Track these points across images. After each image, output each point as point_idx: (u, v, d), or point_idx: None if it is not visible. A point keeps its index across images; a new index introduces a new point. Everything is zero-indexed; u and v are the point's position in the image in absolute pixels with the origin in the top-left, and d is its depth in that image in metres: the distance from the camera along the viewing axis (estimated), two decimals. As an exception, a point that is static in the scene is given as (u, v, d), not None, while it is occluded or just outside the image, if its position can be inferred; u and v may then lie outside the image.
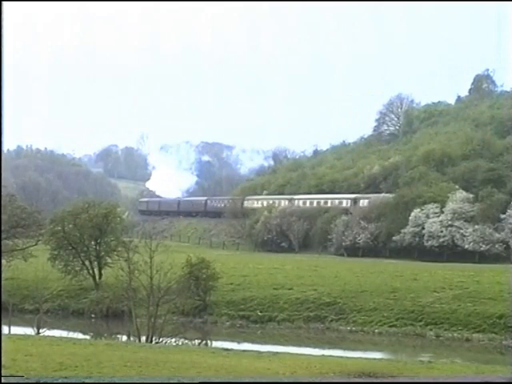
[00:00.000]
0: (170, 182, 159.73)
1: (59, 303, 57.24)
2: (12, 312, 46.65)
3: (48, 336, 38.25)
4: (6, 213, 61.36)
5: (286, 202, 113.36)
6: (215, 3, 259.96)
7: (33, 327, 43.10)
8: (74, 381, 16.80)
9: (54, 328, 45.96)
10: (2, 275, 59.01)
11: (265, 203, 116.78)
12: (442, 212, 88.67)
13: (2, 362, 17.59)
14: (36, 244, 62.83)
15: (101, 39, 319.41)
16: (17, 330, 41.66)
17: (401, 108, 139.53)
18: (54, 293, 54.29)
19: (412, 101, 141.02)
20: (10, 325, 42.97)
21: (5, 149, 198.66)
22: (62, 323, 52.40)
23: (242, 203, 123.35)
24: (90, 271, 60.83)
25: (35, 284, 49.35)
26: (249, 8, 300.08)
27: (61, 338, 34.52)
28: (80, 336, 45.12)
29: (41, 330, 42.56)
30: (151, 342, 36.87)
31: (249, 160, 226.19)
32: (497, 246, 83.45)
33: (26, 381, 16.21)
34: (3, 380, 15.66)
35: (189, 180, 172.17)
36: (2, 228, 60.18)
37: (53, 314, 55.10)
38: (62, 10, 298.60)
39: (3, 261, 59.04)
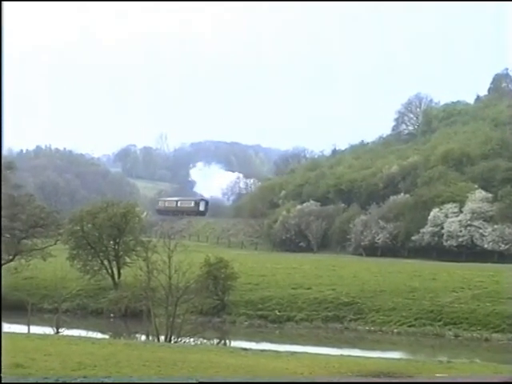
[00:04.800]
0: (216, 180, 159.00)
1: (78, 303, 57.46)
2: (31, 311, 46.86)
3: (67, 335, 38.36)
4: (25, 212, 61.79)
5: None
6: (220, 3, 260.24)
7: (52, 327, 43.25)
8: (92, 380, 16.78)
9: (72, 327, 46.15)
10: (21, 275, 59.53)
11: None
12: (461, 212, 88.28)
13: (20, 362, 17.65)
14: (55, 243, 63.08)
15: (110, 40, 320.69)
16: (36, 329, 41.87)
17: (419, 107, 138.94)
18: (72, 292, 54.51)
19: (431, 100, 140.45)
20: (29, 324, 43.20)
21: (24, 148, 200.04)
22: (81, 323, 52.60)
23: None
24: (109, 271, 60.99)
25: (54, 283, 49.45)
26: (260, 7, 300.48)
27: (79, 338, 34.58)
28: (99, 335, 45.19)
29: (60, 330, 42.72)
30: (170, 341, 36.89)
31: (267, 160, 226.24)
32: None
33: (45, 380, 16.23)
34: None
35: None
36: (21, 228, 60.69)
37: (72, 313, 55.34)
38: (66, 8, 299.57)
39: (22, 260, 59.58)
